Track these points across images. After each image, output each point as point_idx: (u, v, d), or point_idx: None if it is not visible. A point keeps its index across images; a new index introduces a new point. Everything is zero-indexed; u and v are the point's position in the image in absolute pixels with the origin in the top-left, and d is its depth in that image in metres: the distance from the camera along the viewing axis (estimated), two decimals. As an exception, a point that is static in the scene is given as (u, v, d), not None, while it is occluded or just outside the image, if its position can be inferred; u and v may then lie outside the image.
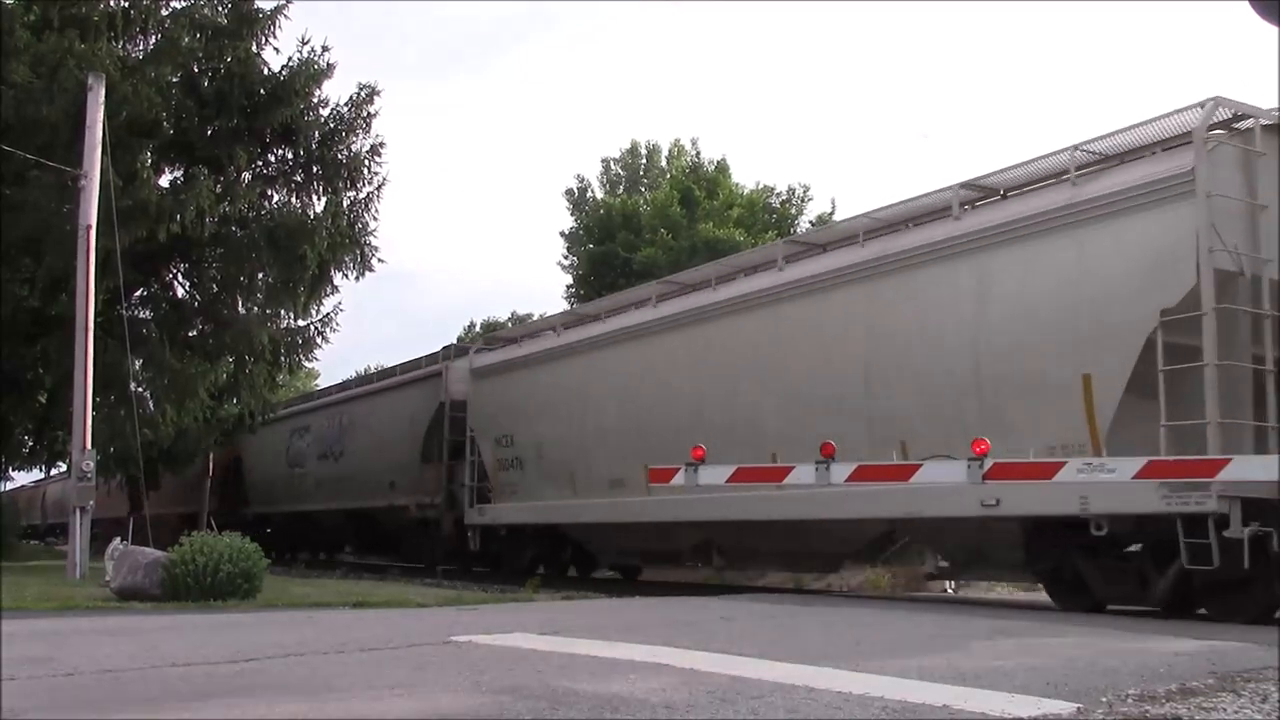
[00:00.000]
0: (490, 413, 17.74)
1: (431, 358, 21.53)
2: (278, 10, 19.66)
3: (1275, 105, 8.65)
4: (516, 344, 18.05)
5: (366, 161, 20.31)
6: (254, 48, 19.48)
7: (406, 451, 20.05)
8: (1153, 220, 8.82)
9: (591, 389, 15.35)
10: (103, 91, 14.88)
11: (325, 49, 19.87)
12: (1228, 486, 7.69)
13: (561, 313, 16.78)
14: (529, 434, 16.59)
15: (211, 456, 26.10)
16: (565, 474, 15.50)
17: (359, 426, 22.98)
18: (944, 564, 11.80)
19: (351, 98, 20.27)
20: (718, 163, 34.63)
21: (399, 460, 20.35)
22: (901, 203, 11.57)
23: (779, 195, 34.25)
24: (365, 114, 20.28)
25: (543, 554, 17.27)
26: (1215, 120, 9.10)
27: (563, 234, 35.34)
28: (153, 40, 19.17)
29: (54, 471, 32.79)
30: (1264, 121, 8.87)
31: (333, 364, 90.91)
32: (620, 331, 15.11)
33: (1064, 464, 8.94)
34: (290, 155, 20.27)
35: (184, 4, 19.47)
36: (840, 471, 10.80)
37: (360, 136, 20.30)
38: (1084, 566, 9.37)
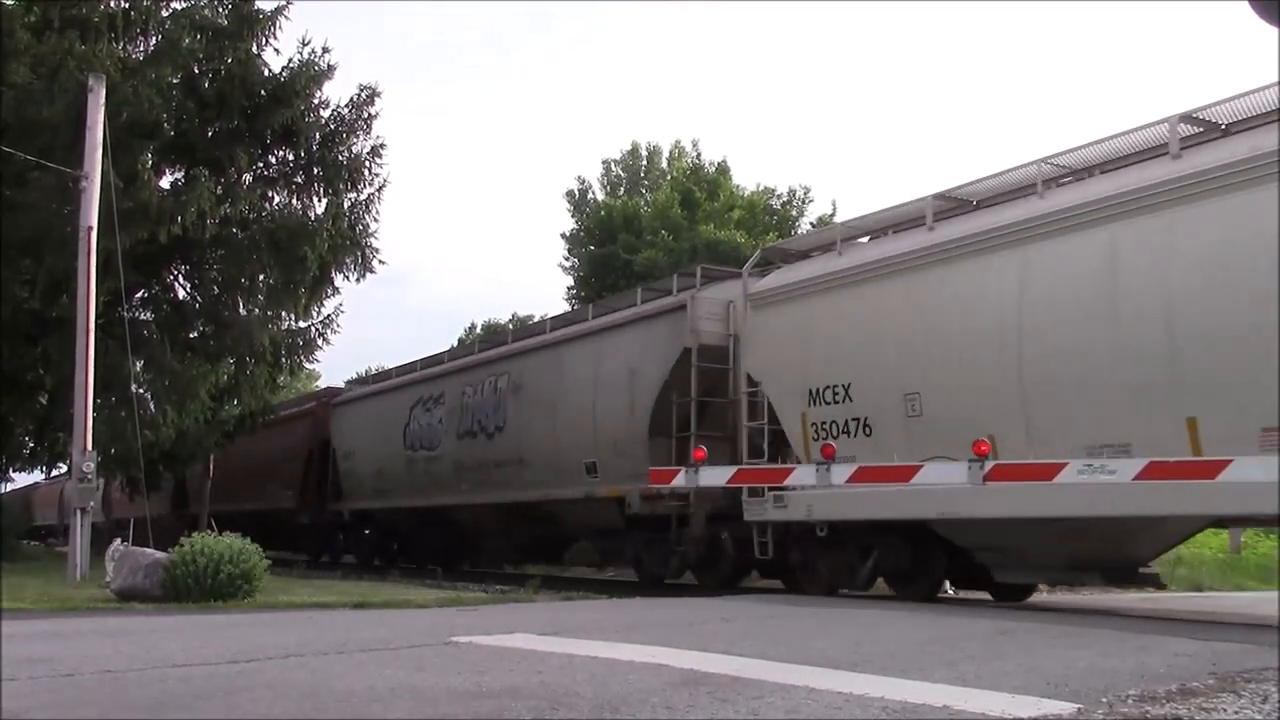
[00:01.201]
0: (793, 356, 12.07)
1: (655, 289, 16.04)
2: (278, 11, 19.69)
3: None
4: (833, 252, 12.28)
5: (367, 163, 20.34)
6: (254, 49, 19.50)
7: (620, 420, 14.65)
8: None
9: (1039, 302, 9.72)
10: (103, 93, 14.89)
11: (326, 50, 19.93)
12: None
13: (932, 196, 11.26)
14: (886, 380, 11.03)
15: (212, 458, 25.50)
16: (973, 438, 8.91)
17: (531, 391, 16.98)
18: None
19: (352, 99, 20.32)
20: (718, 164, 34.70)
21: (607, 433, 14.88)
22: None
23: (780, 197, 34.29)
24: (366, 115, 20.31)
25: (891, 563, 11.37)
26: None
27: (563, 235, 35.42)
28: (153, 41, 19.18)
29: (55, 472, 32.41)
30: None
31: (333, 365, 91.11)
32: (1101, 204, 9.43)
33: (1064, 465, 8.95)
34: (291, 156, 20.30)
35: (184, 5, 19.51)
36: (840, 473, 10.79)
37: (361, 138, 20.35)
38: None
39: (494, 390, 17.99)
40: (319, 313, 20.81)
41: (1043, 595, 13.54)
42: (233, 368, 19.80)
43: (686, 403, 13.57)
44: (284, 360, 20.98)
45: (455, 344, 39.97)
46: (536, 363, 17.31)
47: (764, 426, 12.45)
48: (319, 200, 20.29)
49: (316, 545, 25.01)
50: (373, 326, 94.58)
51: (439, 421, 19.46)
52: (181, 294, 21.13)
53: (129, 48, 18.87)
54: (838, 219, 30.12)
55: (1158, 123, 9.51)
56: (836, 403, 11.59)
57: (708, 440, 12.73)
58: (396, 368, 23.44)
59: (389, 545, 22.49)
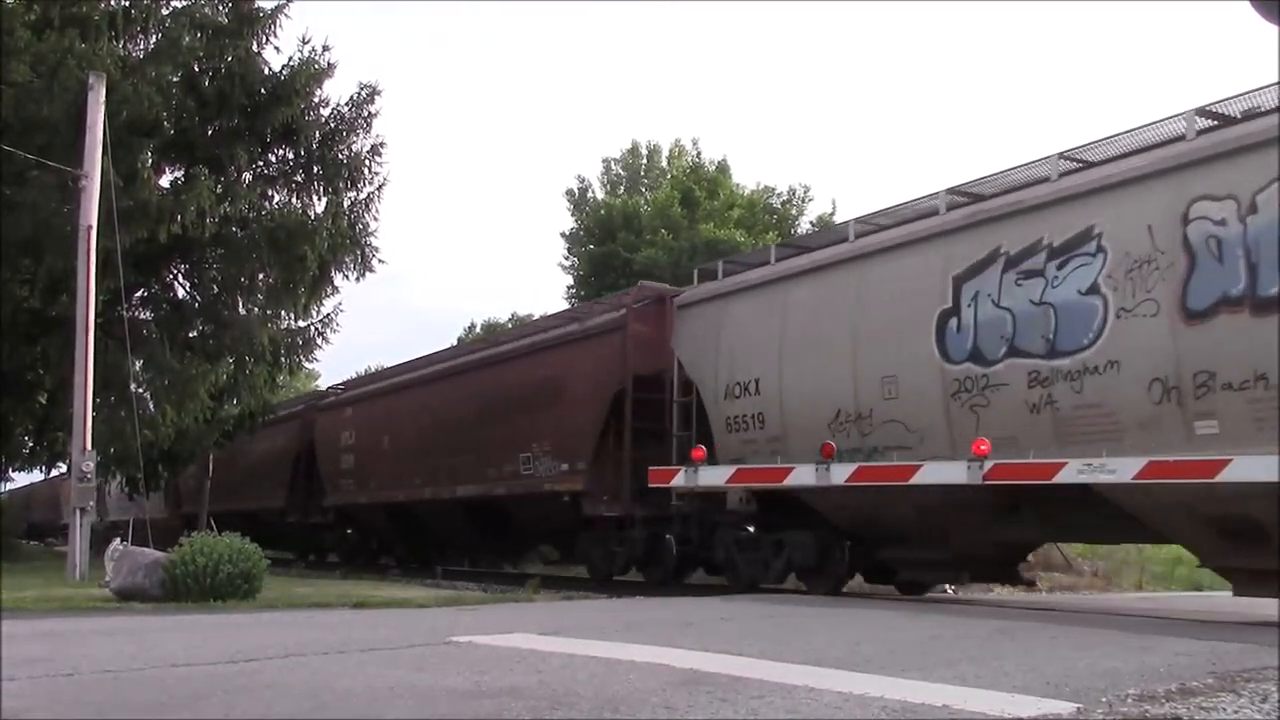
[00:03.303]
0: None
1: None
2: (278, 10, 19.71)
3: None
4: None
5: (367, 161, 20.33)
6: (254, 47, 19.50)
7: None
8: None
9: None
10: (103, 91, 14.89)
11: (326, 48, 19.94)
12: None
13: None
14: None
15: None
16: None
17: None
18: None
19: (352, 98, 20.32)
20: (718, 163, 34.67)
21: None
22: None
23: (779, 196, 34.27)
24: (366, 114, 20.31)
25: None
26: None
27: (563, 234, 35.37)
28: (153, 40, 19.19)
29: (55, 472, 31.67)
30: None
31: (333, 365, 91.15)
32: None
33: (1064, 464, 8.96)
34: (291, 155, 20.29)
35: (184, 3, 19.50)
36: (840, 471, 10.86)
37: (361, 136, 20.35)
38: None
39: None
40: (319, 312, 20.82)
41: (1040, 596, 13.56)
42: (232, 367, 19.78)
43: None
44: (284, 360, 20.95)
45: (460, 338, 39.24)
46: None
47: None
48: (319, 199, 20.30)
49: (634, 554, 14.62)
50: (372, 326, 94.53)
51: (1085, 291, 9.30)
52: (181, 293, 21.14)
53: (129, 46, 18.89)
54: (837, 219, 30.12)
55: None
56: None
57: None
58: (854, 220, 12.03)
59: (833, 551, 11.98)
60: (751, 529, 12.91)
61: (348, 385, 24.19)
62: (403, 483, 19.21)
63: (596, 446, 14.54)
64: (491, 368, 17.64)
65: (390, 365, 22.75)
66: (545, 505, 15.67)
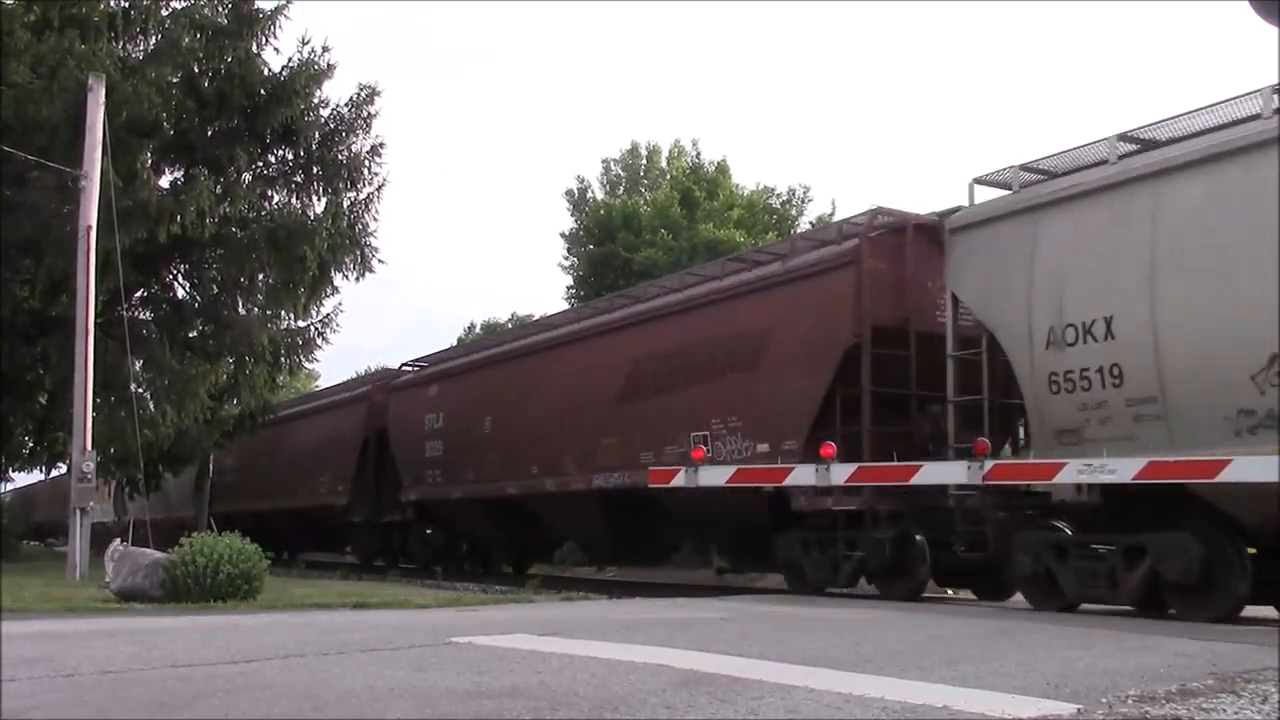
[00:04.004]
0: None
1: None
2: (278, 10, 19.75)
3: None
4: None
5: (366, 162, 20.37)
6: (254, 48, 19.54)
7: None
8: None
9: None
10: (103, 92, 14.91)
11: (325, 49, 19.99)
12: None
13: None
14: None
15: (211, 456, 22.14)
16: None
17: None
18: None
19: (352, 98, 20.37)
20: (718, 163, 34.66)
21: None
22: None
23: (779, 196, 34.28)
24: (365, 114, 20.35)
25: None
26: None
27: (563, 235, 35.37)
28: (153, 41, 19.23)
29: (55, 472, 31.21)
30: None
31: (332, 365, 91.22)
32: None
33: (1064, 465, 8.94)
34: (290, 156, 20.33)
35: (184, 4, 19.53)
36: (840, 472, 10.83)
37: (360, 137, 20.41)
38: None
39: None
40: (318, 312, 20.84)
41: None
42: (232, 367, 19.81)
43: None
44: (283, 360, 20.97)
45: (460, 338, 38.88)
46: None
47: None
48: (318, 199, 20.35)
49: (876, 559, 10.94)
50: (372, 326, 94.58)
51: None
52: (181, 293, 21.17)
53: (129, 47, 18.92)
54: (837, 219, 30.12)
55: None
56: None
57: None
58: (1270, 88, 8.43)
59: (1228, 561, 8.48)
60: (1068, 529, 9.42)
61: (428, 360, 20.65)
62: (513, 472, 15.94)
63: (814, 421, 11.34)
64: (647, 325, 14.07)
65: (484, 336, 19.83)
66: (725, 497, 11.93)
